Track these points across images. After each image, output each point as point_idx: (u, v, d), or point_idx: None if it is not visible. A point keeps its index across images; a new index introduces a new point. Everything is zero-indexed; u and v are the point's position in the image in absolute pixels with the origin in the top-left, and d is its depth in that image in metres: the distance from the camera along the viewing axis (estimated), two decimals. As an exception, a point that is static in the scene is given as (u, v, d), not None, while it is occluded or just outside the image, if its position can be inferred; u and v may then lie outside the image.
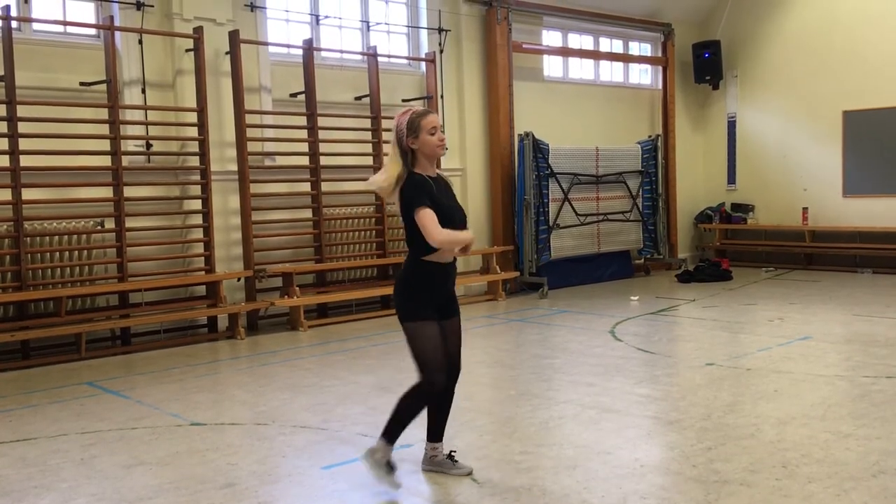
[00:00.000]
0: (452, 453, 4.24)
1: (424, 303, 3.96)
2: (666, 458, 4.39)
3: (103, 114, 8.01)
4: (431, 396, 4.02)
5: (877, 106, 12.02)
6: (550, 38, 12.28)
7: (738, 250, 13.41)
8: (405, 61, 10.74)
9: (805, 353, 6.80)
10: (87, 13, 8.40)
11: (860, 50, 12.15)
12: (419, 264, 3.98)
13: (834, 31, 12.44)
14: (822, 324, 8.15)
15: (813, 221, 12.75)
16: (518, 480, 4.08)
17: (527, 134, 10.99)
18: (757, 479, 3.97)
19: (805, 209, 12.82)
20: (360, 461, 4.11)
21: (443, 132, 4.03)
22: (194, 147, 8.64)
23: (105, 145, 8.03)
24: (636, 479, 4.04)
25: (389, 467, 4.02)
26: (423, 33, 10.77)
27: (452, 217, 3.95)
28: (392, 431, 4.04)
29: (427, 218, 3.84)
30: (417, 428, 4.99)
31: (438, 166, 4.13)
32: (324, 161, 9.42)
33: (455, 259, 4.11)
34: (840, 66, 12.37)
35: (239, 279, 8.92)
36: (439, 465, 4.21)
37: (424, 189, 3.90)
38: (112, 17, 8.11)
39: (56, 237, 7.81)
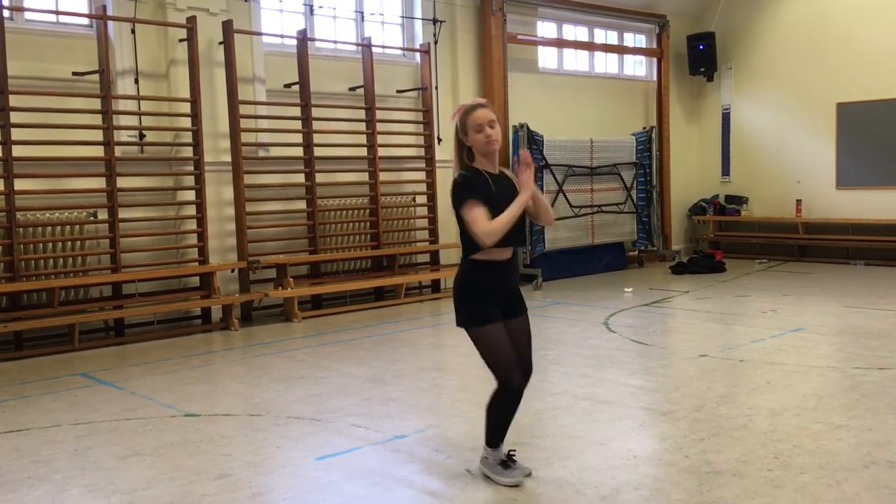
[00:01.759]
0: (511, 453, 4.06)
1: (484, 304, 3.81)
2: (659, 448, 4.41)
3: (96, 104, 7.98)
4: (513, 395, 3.89)
5: (870, 98, 12.04)
6: (545, 29, 12.26)
7: (732, 242, 13.44)
8: (400, 52, 10.71)
9: (798, 344, 6.82)
10: (80, 2, 8.34)
11: (854, 42, 12.16)
12: (473, 265, 3.82)
13: (828, 24, 12.45)
14: (814, 315, 8.18)
15: (806, 213, 12.79)
16: (512, 471, 4.09)
17: (521, 125, 10.98)
18: (749, 470, 3.99)
19: (798, 201, 12.85)
20: (479, 471, 4.04)
21: (491, 128, 3.76)
22: (188, 137, 8.61)
23: (98, 135, 8.00)
24: (629, 470, 4.05)
25: (504, 465, 3.97)
26: (418, 24, 10.74)
27: (494, 213, 3.72)
28: (492, 439, 4.00)
29: (473, 211, 3.68)
30: (413, 420, 4.99)
31: (494, 162, 3.87)
32: (318, 152, 9.40)
33: (515, 255, 3.93)
34: (834, 59, 12.39)
35: (233, 270, 8.91)
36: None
37: (473, 183, 3.75)
38: (104, 7, 8.06)
39: (49, 228, 7.78)
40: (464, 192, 3.75)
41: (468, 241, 3.81)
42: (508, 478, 3.93)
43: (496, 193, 3.76)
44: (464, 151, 3.87)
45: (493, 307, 3.84)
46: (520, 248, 3.89)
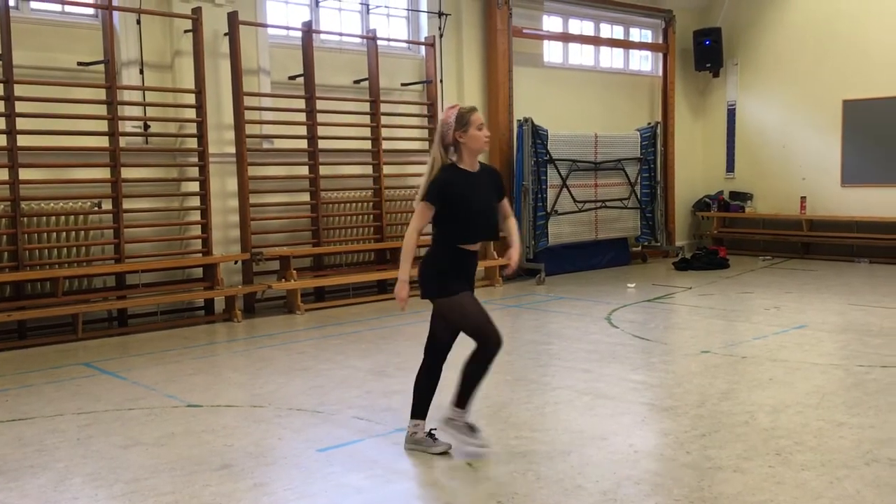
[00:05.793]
0: (433, 431, 4.32)
1: (453, 278, 4.15)
2: (660, 444, 4.41)
3: (101, 94, 7.99)
4: (495, 354, 4.15)
5: (877, 95, 12.00)
6: (551, 23, 12.23)
7: (736, 238, 13.42)
8: (405, 45, 10.69)
9: (800, 341, 6.82)
10: (86, -8, 8.34)
11: (861, 39, 12.12)
12: (451, 249, 4.17)
13: (835, 21, 12.40)
14: (817, 313, 8.17)
15: (811, 210, 12.76)
16: (513, 465, 4.10)
17: (526, 120, 10.96)
18: (750, 466, 3.99)
19: (803, 198, 12.83)
20: (441, 428, 4.28)
21: (487, 129, 4.22)
22: (192, 129, 8.61)
23: (103, 126, 8.00)
24: (630, 465, 4.06)
25: (471, 429, 4.23)
26: (423, 17, 10.72)
27: (468, 212, 4.10)
28: (464, 397, 4.22)
29: (422, 212, 4.13)
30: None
31: (475, 161, 4.26)
32: (322, 144, 9.40)
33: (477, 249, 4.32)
34: (841, 56, 12.34)
35: (236, 262, 8.92)
36: (419, 442, 4.30)
37: (440, 186, 4.08)
38: (110, -3, 8.06)
39: (53, 218, 7.80)
40: (431, 190, 4.10)
41: (448, 228, 4.16)
42: (474, 441, 4.21)
43: (470, 189, 4.13)
44: (450, 148, 4.17)
45: (461, 282, 4.19)
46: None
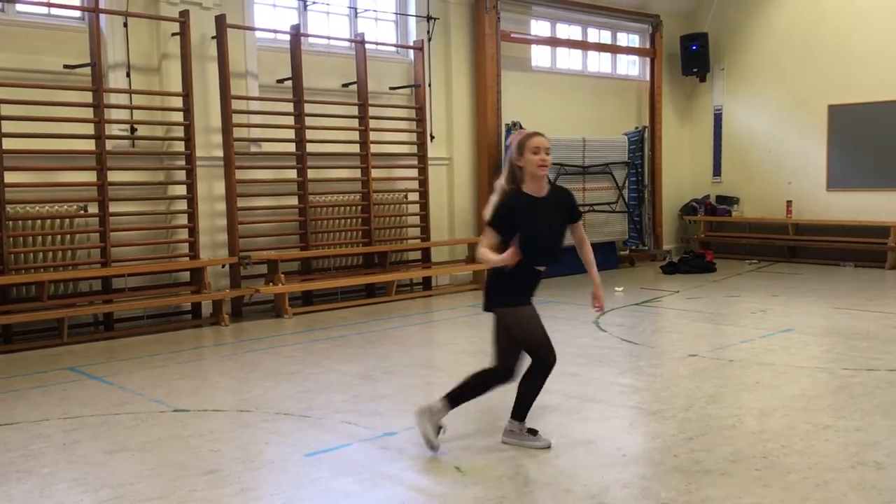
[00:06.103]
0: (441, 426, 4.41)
1: (517, 293, 4.29)
2: (648, 447, 4.42)
3: (87, 97, 7.95)
4: (549, 372, 4.34)
5: (862, 100, 12.09)
6: (539, 27, 12.26)
7: (723, 242, 13.48)
8: (393, 49, 10.70)
9: (787, 345, 6.85)
10: (72, -5, 8.30)
11: (847, 44, 12.21)
12: (519, 266, 4.15)
13: (821, 25, 12.49)
14: (803, 316, 8.22)
15: (797, 214, 12.84)
16: (501, 469, 4.10)
17: (514, 123, 10.98)
18: (737, 470, 4.00)
19: (789, 202, 12.91)
20: (503, 441, 4.44)
21: (546, 154, 4.24)
22: (179, 132, 8.58)
23: (89, 129, 7.96)
24: (618, 469, 4.06)
25: (532, 433, 4.41)
26: (412, 21, 10.73)
27: (531, 236, 4.13)
28: (522, 411, 4.43)
29: (486, 236, 4.22)
30: (403, 417, 4.98)
31: (541, 186, 4.32)
32: (310, 148, 9.39)
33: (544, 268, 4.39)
34: (826, 61, 12.44)
35: (223, 266, 8.89)
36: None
37: (502, 209, 4.21)
38: None
39: (39, 221, 7.75)
40: (495, 216, 4.22)
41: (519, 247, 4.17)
42: (541, 441, 4.37)
43: (533, 214, 4.21)
44: (514, 172, 4.28)
45: (524, 296, 4.35)
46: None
